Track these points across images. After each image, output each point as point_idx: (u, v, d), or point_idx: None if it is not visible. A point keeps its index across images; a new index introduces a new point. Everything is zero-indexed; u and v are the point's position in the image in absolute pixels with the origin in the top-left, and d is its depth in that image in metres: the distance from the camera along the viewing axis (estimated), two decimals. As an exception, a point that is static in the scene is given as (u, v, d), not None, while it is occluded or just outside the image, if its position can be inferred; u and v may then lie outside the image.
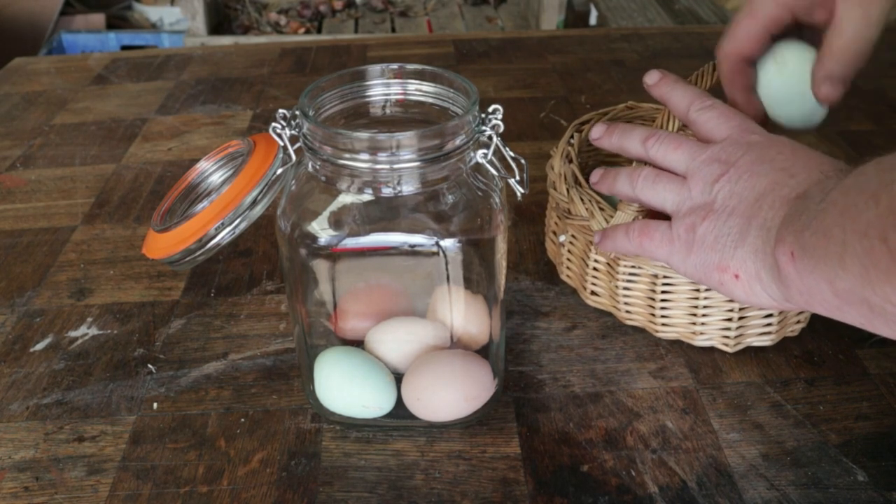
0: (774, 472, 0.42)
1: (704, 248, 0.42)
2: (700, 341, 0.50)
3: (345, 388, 0.44)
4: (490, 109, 0.40)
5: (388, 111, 0.44)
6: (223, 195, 0.40)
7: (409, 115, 0.44)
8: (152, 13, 2.48)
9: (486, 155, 0.40)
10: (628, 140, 0.47)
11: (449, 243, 0.40)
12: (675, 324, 0.50)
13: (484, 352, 0.45)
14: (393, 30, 2.95)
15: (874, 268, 0.30)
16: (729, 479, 0.42)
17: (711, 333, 0.49)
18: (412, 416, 0.44)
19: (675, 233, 0.43)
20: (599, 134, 0.49)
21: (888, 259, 0.29)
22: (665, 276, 0.48)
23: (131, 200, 0.69)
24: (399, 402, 0.44)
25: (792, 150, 0.41)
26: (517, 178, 0.41)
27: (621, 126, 0.48)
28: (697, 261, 0.42)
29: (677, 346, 0.51)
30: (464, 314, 0.44)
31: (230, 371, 0.50)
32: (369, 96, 0.43)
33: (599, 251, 0.49)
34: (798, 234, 0.35)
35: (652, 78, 0.48)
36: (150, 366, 0.50)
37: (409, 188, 0.39)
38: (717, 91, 0.48)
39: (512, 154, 0.41)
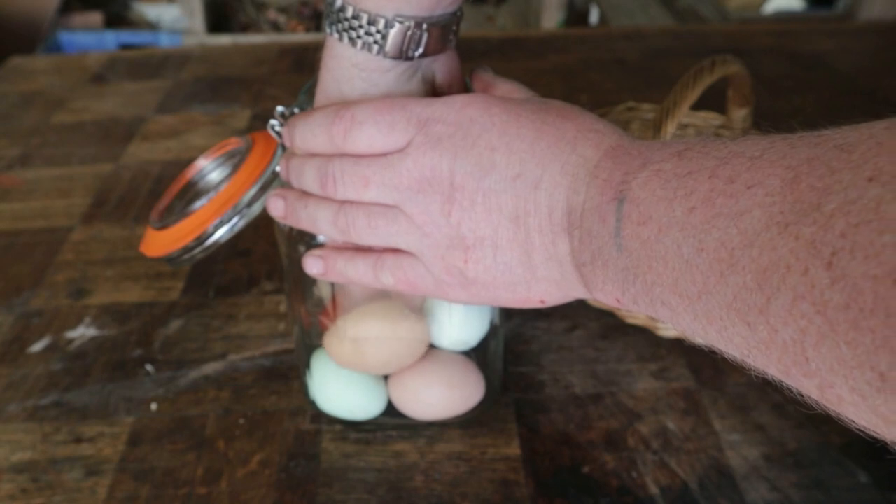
0: (776, 473, 0.42)
1: (487, 287, 0.34)
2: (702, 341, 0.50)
3: (338, 387, 0.43)
4: None
5: None
6: (222, 192, 0.40)
7: None
8: (151, 12, 2.47)
9: None
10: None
11: None
12: (676, 324, 0.50)
13: (482, 351, 0.45)
14: (392, 29, 2.94)
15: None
16: (730, 480, 0.42)
17: (713, 334, 0.49)
18: (407, 416, 0.44)
19: (435, 275, 0.34)
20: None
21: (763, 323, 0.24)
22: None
23: (130, 200, 0.68)
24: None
25: (504, 141, 0.32)
26: None
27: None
28: (485, 296, 0.34)
29: (679, 346, 0.50)
30: (462, 312, 0.44)
31: (229, 372, 0.50)
32: None
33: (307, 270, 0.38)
34: (621, 288, 0.29)
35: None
36: (148, 366, 0.50)
37: None
38: (717, 90, 0.48)
39: None
